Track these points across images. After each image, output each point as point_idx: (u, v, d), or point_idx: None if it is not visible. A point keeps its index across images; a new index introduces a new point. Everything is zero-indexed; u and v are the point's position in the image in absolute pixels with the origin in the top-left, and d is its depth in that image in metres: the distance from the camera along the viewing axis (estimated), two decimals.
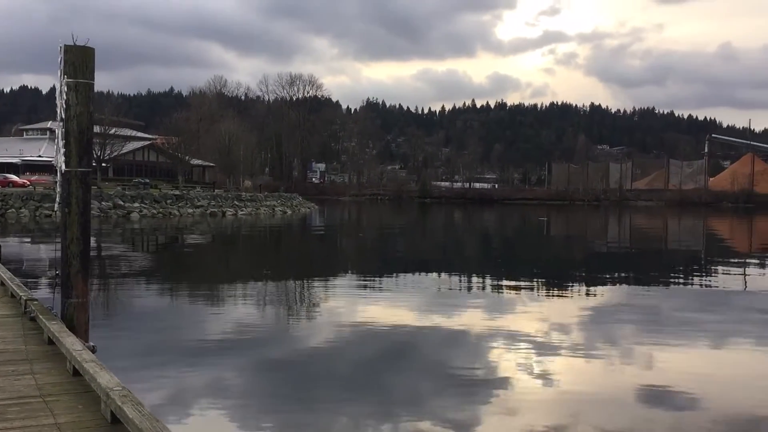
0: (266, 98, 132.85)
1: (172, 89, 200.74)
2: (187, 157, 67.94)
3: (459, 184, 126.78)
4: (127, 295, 12.98)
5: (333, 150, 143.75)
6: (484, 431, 6.00)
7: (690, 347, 9.19)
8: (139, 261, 19.56)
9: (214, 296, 13.20)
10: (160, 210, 42.86)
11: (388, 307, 11.87)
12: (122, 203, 41.40)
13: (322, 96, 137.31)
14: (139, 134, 78.72)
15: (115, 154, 58.98)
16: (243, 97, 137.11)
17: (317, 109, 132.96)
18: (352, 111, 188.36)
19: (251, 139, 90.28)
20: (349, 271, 18.57)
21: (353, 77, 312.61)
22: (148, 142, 76.64)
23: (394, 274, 17.12)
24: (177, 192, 49.96)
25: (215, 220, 41.82)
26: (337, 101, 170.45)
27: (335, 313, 11.43)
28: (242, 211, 48.54)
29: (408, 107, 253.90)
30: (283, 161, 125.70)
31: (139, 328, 9.97)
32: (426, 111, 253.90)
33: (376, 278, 16.58)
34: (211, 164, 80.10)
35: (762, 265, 21.40)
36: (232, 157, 76.79)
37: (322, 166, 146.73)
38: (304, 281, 15.90)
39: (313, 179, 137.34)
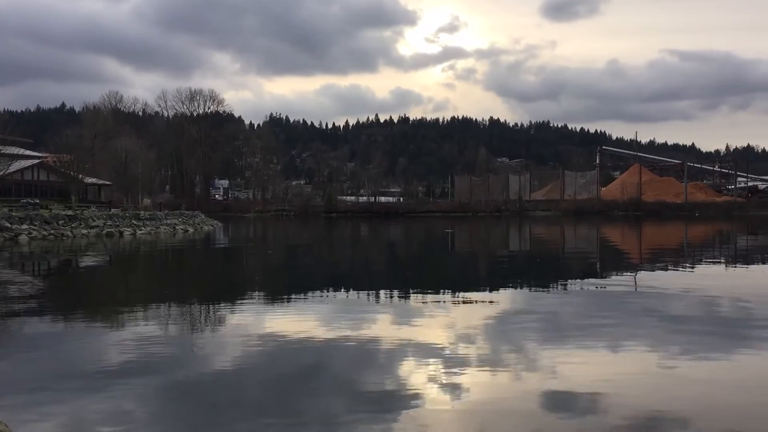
0: (165, 114, 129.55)
1: (63, 105, 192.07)
2: (80, 176, 64.88)
3: (365, 198, 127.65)
4: (14, 324, 12.14)
5: (236, 166, 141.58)
6: None
7: (590, 351, 9.52)
8: (27, 286, 18.41)
9: (112, 320, 12.56)
10: (52, 231, 40.64)
11: (296, 323, 11.67)
12: (9, 225, 38.93)
13: (224, 111, 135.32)
14: (28, 152, 74.41)
15: (1, 173, 55.60)
16: (140, 113, 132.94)
17: (219, 124, 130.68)
18: (256, 126, 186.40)
19: (150, 156, 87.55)
20: (257, 288, 18.18)
21: (256, 92, 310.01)
22: (38, 161, 72.60)
23: (303, 290, 16.91)
24: (70, 212, 47.54)
25: (112, 240, 40.08)
26: (240, 117, 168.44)
27: (242, 331, 11.12)
28: (141, 230, 46.81)
29: (312, 122, 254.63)
30: (185, 178, 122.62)
31: (28, 358, 9.33)
32: (330, 126, 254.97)
33: (284, 294, 16.31)
34: (108, 182, 76.92)
35: (651, 269, 22.60)
36: (129, 175, 74.12)
37: (225, 182, 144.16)
38: (209, 300, 15.43)
39: (216, 196, 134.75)
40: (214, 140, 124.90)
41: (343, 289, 17.35)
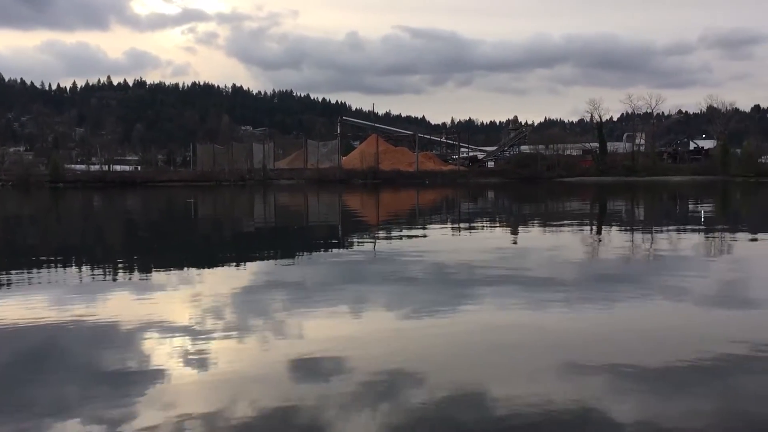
0: None
1: None
2: None
3: (97, 167, 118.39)
4: None
5: None
6: (140, 424, 5.71)
7: (333, 314, 9.99)
8: None
9: None
10: None
11: (20, 307, 10.54)
12: None
13: None
14: None
15: None
16: None
17: None
18: None
19: None
20: None
21: None
22: None
23: (27, 269, 15.27)
24: None
25: None
26: None
27: None
28: None
29: (32, 82, 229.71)
30: None
31: None
32: (54, 87, 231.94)
33: (2, 275, 14.57)
34: None
35: (388, 235, 24.20)
36: None
37: None
38: None
39: None
40: None
41: (75, 267, 16.02)
